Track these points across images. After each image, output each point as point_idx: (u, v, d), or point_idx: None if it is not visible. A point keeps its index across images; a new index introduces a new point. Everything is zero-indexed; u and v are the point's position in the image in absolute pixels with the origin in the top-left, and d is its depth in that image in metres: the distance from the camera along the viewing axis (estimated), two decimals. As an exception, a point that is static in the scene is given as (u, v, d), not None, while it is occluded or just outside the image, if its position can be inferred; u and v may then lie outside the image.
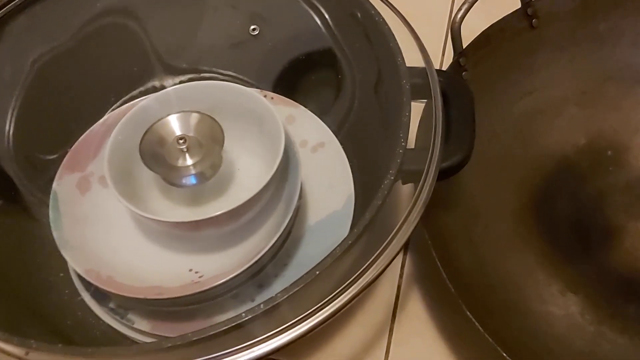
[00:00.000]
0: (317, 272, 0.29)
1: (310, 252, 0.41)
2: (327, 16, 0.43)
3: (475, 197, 0.44)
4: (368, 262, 0.28)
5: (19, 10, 0.42)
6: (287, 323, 0.28)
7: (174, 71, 0.47)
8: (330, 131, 0.45)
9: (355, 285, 0.28)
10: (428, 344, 0.42)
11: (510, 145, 0.46)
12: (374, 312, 0.43)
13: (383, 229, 0.32)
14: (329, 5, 0.43)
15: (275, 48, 0.46)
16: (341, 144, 0.43)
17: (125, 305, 0.38)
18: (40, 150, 0.43)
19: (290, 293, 0.28)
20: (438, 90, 0.35)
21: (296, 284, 0.29)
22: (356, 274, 0.28)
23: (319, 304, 0.28)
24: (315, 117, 0.45)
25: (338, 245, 0.30)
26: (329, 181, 0.43)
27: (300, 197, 0.39)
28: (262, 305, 0.28)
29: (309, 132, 0.45)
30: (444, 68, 0.55)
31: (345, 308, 0.28)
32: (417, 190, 0.31)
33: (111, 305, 0.39)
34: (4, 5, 0.42)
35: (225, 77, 0.47)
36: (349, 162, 0.43)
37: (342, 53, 0.42)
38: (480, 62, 0.44)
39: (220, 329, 0.28)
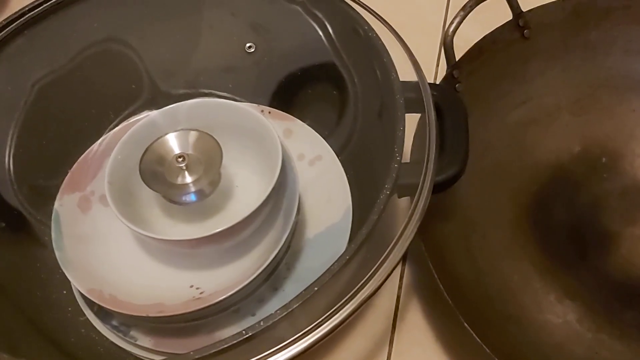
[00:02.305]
0: (316, 288, 0.30)
1: (310, 265, 0.41)
2: (330, 29, 0.44)
3: (471, 207, 0.44)
4: (366, 277, 0.29)
5: (18, 33, 0.43)
6: (288, 339, 0.29)
7: (171, 91, 0.47)
8: (327, 144, 0.45)
9: (354, 299, 0.29)
10: (428, 355, 0.42)
11: (505, 154, 0.47)
12: (374, 323, 0.44)
13: (380, 242, 0.33)
14: (331, 18, 0.44)
15: (273, 64, 0.47)
16: (341, 158, 0.44)
17: (128, 322, 0.39)
18: (42, 175, 0.44)
19: (290, 310, 0.29)
20: (431, 104, 0.35)
21: (295, 300, 0.29)
22: (355, 289, 0.29)
23: (320, 319, 0.28)
24: (312, 130, 0.46)
25: (336, 261, 0.30)
26: (326, 194, 0.44)
27: (299, 211, 0.39)
28: (262, 322, 0.29)
29: (306, 145, 0.45)
30: (439, 80, 0.56)
31: (345, 322, 0.28)
32: (413, 205, 0.31)
33: (114, 322, 0.39)
34: (3, 27, 0.42)
35: (222, 95, 0.47)
36: (346, 175, 0.44)
37: (345, 68, 0.43)
38: (474, 73, 0.44)
39: (222, 347, 0.28)
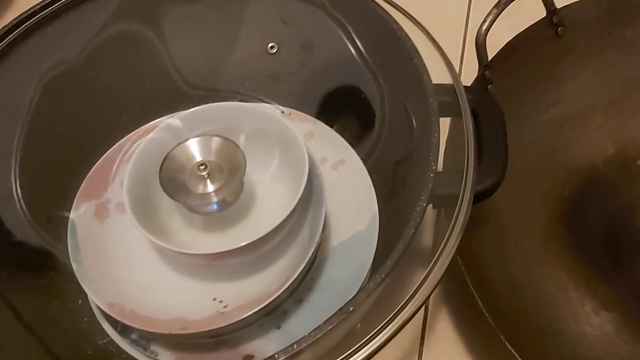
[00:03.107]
0: (351, 309, 0.28)
1: (335, 275, 0.40)
2: (354, 29, 0.42)
3: (503, 213, 0.42)
4: (407, 298, 0.27)
5: (29, 33, 0.41)
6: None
7: (191, 92, 0.45)
8: (350, 147, 0.43)
9: (395, 321, 0.27)
10: (459, 367, 0.40)
11: (537, 156, 0.45)
12: (401, 335, 0.41)
13: (414, 256, 0.31)
14: (358, 17, 0.42)
15: (296, 66, 0.45)
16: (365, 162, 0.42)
17: (148, 336, 0.37)
18: (52, 181, 0.42)
19: (325, 332, 0.27)
20: (468, 109, 0.33)
21: (329, 321, 0.28)
22: (396, 310, 0.27)
23: (360, 343, 0.26)
24: (335, 133, 0.44)
25: (371, 280, 0.29)
26: (351, 200, 0.42)
27: (325, 222, 0.37)
28: (295, 345, 0.27)
29: (329, 148, 0.43)
30: (463, 79, 0.54)
31: (384, 346, 0.27)
32: (453, 218, 0.30)
33: (133, 336, 0.37)
34: (14, 27, 0.41)
35: (243, 97, 0.45)
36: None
37: (370, 69, 0.41)
38: (506, 73, 0.42)
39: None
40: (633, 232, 0.44)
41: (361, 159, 0.42)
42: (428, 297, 0.28)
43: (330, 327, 0.27)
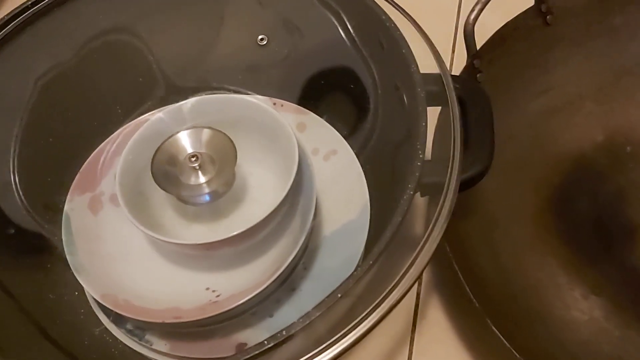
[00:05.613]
0: (339, 295, 0.28)
1: (327, 264, 0.40)
2: (347, 20, 0.42)
3: (492, 201, 0.43)
4: (393, 283, 0.28)
5: (21, 29, 0.41)
6: (310, 348, 0.28)
7: (181, 85, 0.46)
8: (342, 138, 0.44)
9: (381, 307, 0.27)
10: (451, 353, 0.41)
11: (526, 145, 0.45)
12: (393, 322, 0.42)
13: (402, 244, 0.31)
14: (348, 8, 0.42)
15: (286, 57, 0.45)
16: (357, 152, 0.42)
17: (143, 326, 0.38)
18: (48, 175, 0.42)
19: (313, 318, 0.28)
20: (455, 98, 0.34)
21: (318, 308, 0.28)
22: (382, 296, 0.27)
23: (346, 329, 0.27)
24: (327, 123, 0.44)
25: (359, 266, 0.29)
26: (342, 190, 0.42)
27: (316, 212, 0.38)
28: (284, 331, 0.28)
29: (321, 139, 0.44)
30: (454, 68, 0.54)
31: (371, 331, 0.27)
32: (439, 206, 0.30)
33: (128, 326, 0.38)
34: (6, 23, 0.41)
35: (233, 89, 0.46)
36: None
37: (363, 60, 0.41)
38: (495, 62, 0.43)
39: (243, 358, 0.27)
40: (622, 219, 0.44)
41: (353, 148, 0.42)
42: (414, 283, 0.28)
43: (319, 314, 0.28)
